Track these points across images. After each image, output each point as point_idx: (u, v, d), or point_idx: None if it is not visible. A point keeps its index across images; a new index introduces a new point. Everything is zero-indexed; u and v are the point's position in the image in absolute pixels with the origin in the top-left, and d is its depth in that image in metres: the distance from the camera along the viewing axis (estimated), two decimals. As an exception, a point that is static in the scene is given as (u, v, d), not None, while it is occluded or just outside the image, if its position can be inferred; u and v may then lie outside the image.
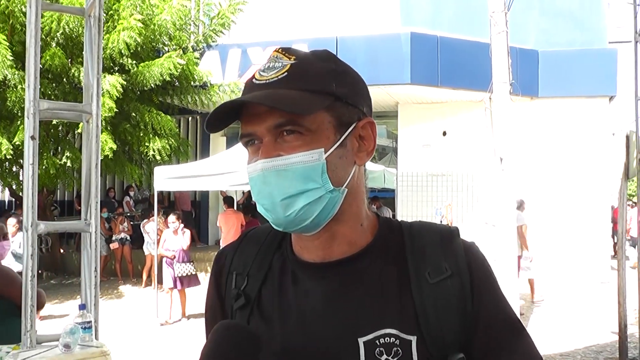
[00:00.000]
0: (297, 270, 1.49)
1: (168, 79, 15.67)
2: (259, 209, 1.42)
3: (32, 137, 4.02)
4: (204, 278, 17.14)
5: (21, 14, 14.13)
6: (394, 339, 1.36)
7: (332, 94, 1.38)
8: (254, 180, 1.39)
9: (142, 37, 15.26)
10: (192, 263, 13.22)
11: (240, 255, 1.58)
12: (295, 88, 1.35)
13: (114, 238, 18.07)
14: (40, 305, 4.69)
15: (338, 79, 1.41)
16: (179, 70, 15.73)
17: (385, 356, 1.36)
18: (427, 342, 1.36)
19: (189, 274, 12.95)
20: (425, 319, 1.37)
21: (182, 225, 13.25)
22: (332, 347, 1.38)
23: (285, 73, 1.37)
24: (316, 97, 1.36)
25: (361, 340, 1.37)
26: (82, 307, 4.07)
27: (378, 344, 1.36)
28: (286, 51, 1.43)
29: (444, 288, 1.40)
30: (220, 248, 1.67)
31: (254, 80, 1.41)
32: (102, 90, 14.01)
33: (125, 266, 18.36)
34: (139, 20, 15.03)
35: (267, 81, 1.38)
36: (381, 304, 1.40)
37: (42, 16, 13.99)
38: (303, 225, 1.38)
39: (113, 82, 14.50)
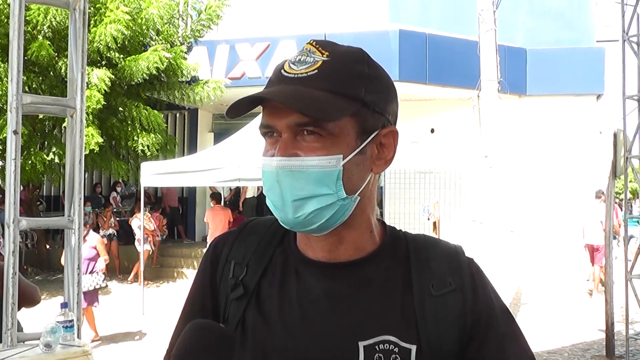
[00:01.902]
0: (301, 267, 1.46)
1: (154, 72, 15.58)
2: (268, 204, 1.39)
3: (15, 132, 3.96)
4: (192, 273, 17.16)
5: (6, 6, 13.99)
6: (393, 347, 1.35)
7: (360, 100, 1.35)
8: (267, 175, 1.36)
9: (129, 31, 15.17)
10: (99, 273, 10.87)
11: (240, 245, 1.55)
12: (324, 88, 1.32)
13: (101, 234, 17.92)
14: (34, 301, 4.66)
15: (369, 84, 1.37)
16: (165, 64, 15.62)
17: None
18: (425, 352, 1.35)
19: (94, 287, 10.66)
20: (426, 330, 1.36)
21: (91, 230, 11.37)
22: (332, 347, 1.36)
23: (316, 70, 1.33)
24: (343, 102, 1.32)
25: (361, 344, 1.35)
26: (64, 305, 4.03)
27: (377, 349, 1.34)
28: (320, 45, 1.39)
29: (447, 301, 1.39)
30: (213, 239, 1.63)
31: (282, 71, 1.37)
32: (91, 83, 13.97)
33: (112, 262, 18.26)
34: (126, 12, 14.94)
35: (296, 75, 1.34)
36: (384, 310, 1.38)
37: (29, 9, 13.97)
38: (310, 228, 1.36)
39: (101, 76, 14.41)
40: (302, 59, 1.36)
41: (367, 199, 1.42)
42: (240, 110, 1.37)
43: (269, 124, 1.36)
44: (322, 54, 1.36)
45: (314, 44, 1.39)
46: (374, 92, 1.38)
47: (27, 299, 4.59)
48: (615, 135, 8.92)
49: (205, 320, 1.44)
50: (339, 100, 1.31)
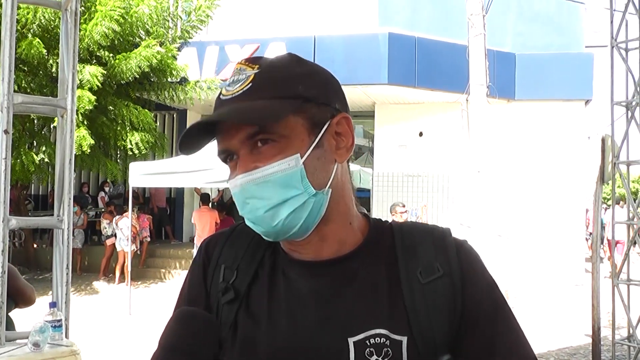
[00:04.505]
0: (288, 268, 1.46)
1: (146, 69, 15.56)
2: (247, 223, 1.40)
3: (5, 131, 3.96)
4: (179, 274, 17.14)
5: (-5, 5, 13.93)
6: (385, 340, 1.34)
7: (299, 97, 1.36)
8: (237, 196, 1.37)
9: (120, 27, 15.13)
10: None
11: (231, 248, 1.54)
12: (261, 97, 1.34)
13: (110, 233, 17.71)
14: (30, 301, 4.65)
15: (304, 80, 1.39)
16: (158, 59, 15.60)
17: (375, 357, 1.33)
18: (417, 342, 1.34)
19: None
20: (417, 319, 1.35)
21: None
22: (322, 347, 1.35)
23: (250, 84, 1.36)
24: (283, 103, 1.34)
25: (351, 340, 1.34)
26: (53, 304, 4.02)
27: (368, 344, 1.34)
28: (249, 61, 1.41)
29: (436, 288, 1.38)
30: (195, 244, 1.64)
31: (221, 96, 1.40)
32: (83, 81, 13.92)
33: (99, 262, 18.17)
34: (118, 6, 14.91)
35: (233, 95, 1.36)
36: (372, 304, 1.38)
37: (19, 7, 13.90)
38: (292, 232, 1.36)
39: (93, 72, 14.37)
40: (235, 79, 1.39)
41: (340, 190, 1.43)
42: (194, 145, 1.41)
43: (223, 148, 1.38)
44: (253, 68, 1.38)
45: (243, 62, 1.41)
46: (312, 86, 1.40)
47: (24, 299, 4.59)
48: (603, 141, 8.94)
49: (191, 308, 1.47)
50: (278, 102, 1.33)
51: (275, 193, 1.33)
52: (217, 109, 1.38)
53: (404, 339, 1.34)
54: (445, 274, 1.39)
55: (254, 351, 1.40)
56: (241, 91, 1.35)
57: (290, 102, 1.35)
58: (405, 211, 10.69)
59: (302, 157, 1.34)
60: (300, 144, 1.35)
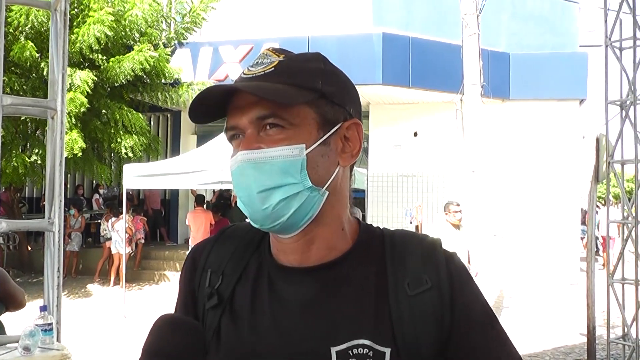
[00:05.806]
0: (274, 273, 1.44)
1: (140, 73, 15.55)
2: (239, 203, 1.39)
3: (-5, 133, 3.93)
4: (174, 276, 17.10)
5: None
6: (368, 350, 1.32)
7: (316, 90, 1.37)
8: (234, 173, 1.38)
9: (112, 32, 15.11)
10: None
11: (217, 252, 1.54)
12: (281, 82, 1.35)
13: (108, 236, 17.60)
14: (21, 305, 4.62)
15: (325, 77, 1.41)
16: (151, 64, 15.59)
17: None
18: (402, 354, 1.32)
19: None
20: (402, 331, 1.33)
21: None
22: (303, 354, 1.34)
23: (273, 68, 1.37)
24: (301, 91, 1.35)
25: (334, 350, 1.32)
26: (44, 308, 4.00)
27: (351, 354, 1.32)
28: (276, 50, 1.42)
29: (423, 300, 1.36)
30: (190, 246, 1.62)
31: (242, 74, 1.40)
32: (74, 85, 13.90)
33: (95, 265, 18.09)
34: (110, 13, 14.89)
35: (255, 75, 1.37)
36: (357, 313, 1.36)
37: (10, 9, 13.89)
38: (279, 222, 1.34)
39: (84, 78, 14.35)
40: (259, 62, 1.40)
41: (337, 194, 1.42)
42: (205, 116, 1.43)
43: (232, 124, 1.38)
44: (279, 56, 1.40)
45: (270, 49, 1.42)
46: (331, 84, 1.41)
47: (15, 303, 4.56)
48: (597, 140, 8.93)
49: (174, 315, 1.46)
50: (296, 89, 1.34)
51: (272, 176, 1.33)
52: (237, 83, 1.38)
53: (388, 351, 1.32)
54: (434, 287, 1.38)
55: (237, 356, 1.39)
56: (263, 73, 1.37)
57: (307, 93, 1.36)
58: (459, 210, 10.36)
59: (306, 149, 1.34)
60: (307, 136, 1.36)
